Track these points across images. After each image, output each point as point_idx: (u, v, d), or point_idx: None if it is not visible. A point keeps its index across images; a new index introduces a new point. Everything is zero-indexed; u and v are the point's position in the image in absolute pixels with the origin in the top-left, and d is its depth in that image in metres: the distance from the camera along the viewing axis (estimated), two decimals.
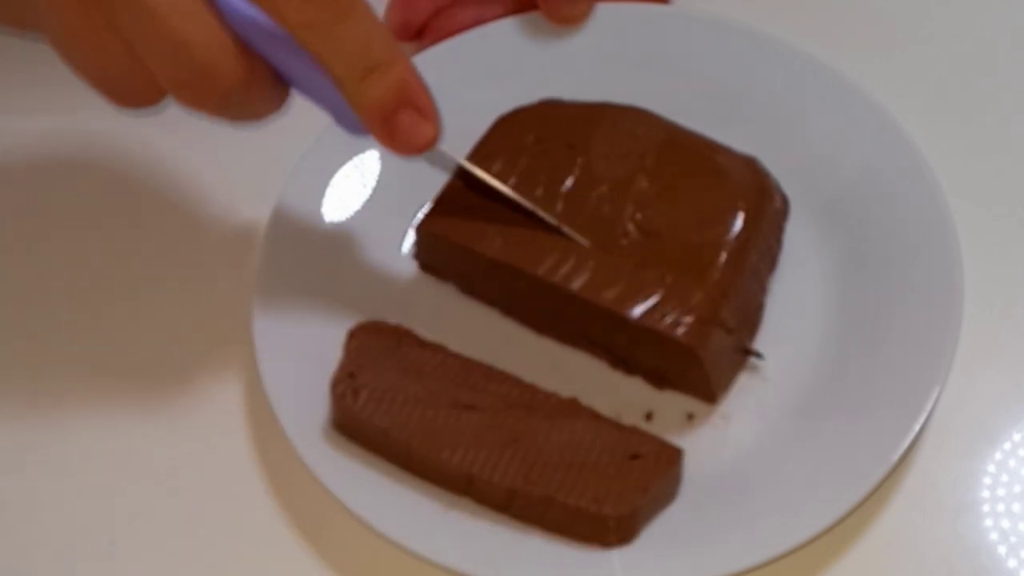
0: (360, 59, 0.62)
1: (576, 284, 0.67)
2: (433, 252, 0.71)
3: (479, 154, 0.71)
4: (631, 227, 0.68)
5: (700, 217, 0.68)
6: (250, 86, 0.62)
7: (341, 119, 0.65)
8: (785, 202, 0.71)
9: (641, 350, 0.68)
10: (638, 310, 0.66)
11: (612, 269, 0.67)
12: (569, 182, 0.69)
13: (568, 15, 0.76)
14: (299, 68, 0.63)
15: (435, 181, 0.71)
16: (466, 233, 0.69)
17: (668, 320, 0.66)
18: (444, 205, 0.70)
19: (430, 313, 0.71)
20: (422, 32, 0.77)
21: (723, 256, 0.67)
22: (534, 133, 0.71)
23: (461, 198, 0.70)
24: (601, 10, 0.76)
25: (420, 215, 0.71)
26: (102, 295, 0.74)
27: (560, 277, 0.67)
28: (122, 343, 0.72)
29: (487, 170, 0.69)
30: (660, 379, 0.69)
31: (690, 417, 0.68)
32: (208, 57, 0.60)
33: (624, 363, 0.69)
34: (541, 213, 0.68)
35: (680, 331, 0.65)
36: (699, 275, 0.67)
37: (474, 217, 0.69)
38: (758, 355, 0.68)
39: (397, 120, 0.63)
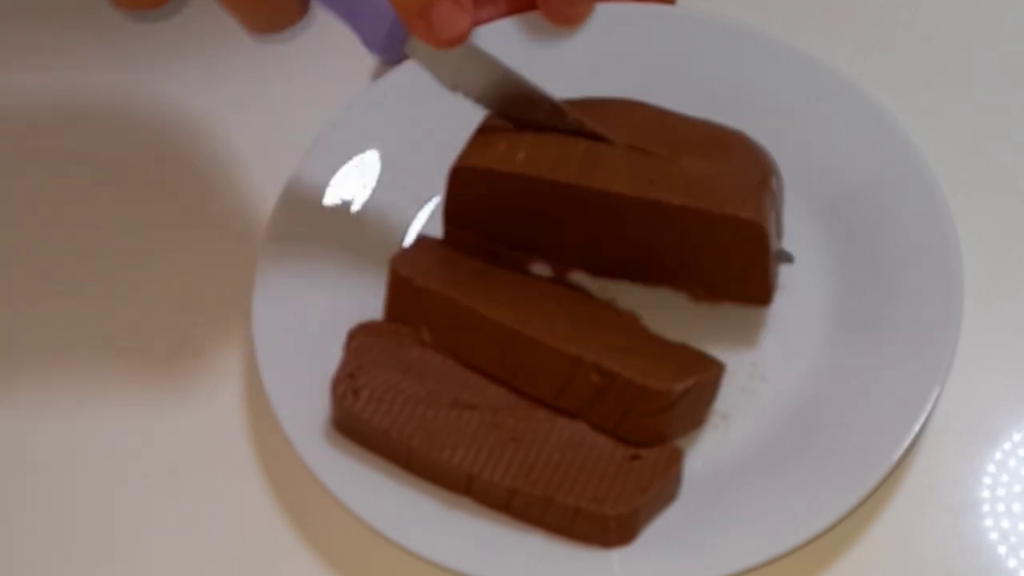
0: None
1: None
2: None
3: (479, 139, 0.70)
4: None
5: (719, 180, 0.68)
6: None
7: (366, 36, 0.65)
8: (779, 176, 0.71)
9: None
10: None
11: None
12: (581, 149, 0.69)
13: (568, 16, 0.76)
14: None
15: (436, 180, 0.71)
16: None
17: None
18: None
19: None
20: None
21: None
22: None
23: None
24: (601, 10, 0.76)
25: (423, 212, 0.70)
26: (102, 295, 0.74)
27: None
28: (121, 343, 0.72)
29: (493, 149, 0.69)
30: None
31: None
32: None
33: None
34: (589, 124, 0.69)
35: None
36: None
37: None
38: (790, 259, 0.69)
39: (434, 11, 0.63)
